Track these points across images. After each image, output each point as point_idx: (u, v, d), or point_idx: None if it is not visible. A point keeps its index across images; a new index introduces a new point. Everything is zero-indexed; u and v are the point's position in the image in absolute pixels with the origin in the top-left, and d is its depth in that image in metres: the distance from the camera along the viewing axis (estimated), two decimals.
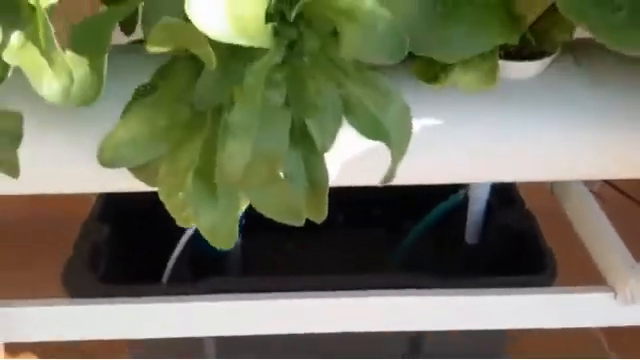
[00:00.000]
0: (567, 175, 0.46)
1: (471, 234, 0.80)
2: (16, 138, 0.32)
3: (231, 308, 0.57)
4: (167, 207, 0.36)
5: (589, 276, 0.67)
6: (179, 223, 0.37)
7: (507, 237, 0.77)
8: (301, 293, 0.58)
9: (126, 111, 0.34)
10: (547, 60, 0.38)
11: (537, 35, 0.36)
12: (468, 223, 0.80)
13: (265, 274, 0.75)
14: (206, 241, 0.35)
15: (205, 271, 0.67)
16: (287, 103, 0.31)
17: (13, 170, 0.33)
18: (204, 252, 0.57)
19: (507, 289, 0.64)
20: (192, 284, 0.63)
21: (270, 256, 0.80)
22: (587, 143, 0.39)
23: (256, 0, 0.26)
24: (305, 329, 0.57)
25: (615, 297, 0.62)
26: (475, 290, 0.62)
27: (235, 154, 0.30)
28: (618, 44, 0.28)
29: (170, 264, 0.77)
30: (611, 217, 0.69)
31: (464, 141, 0.38)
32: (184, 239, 0.73)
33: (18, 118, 0.32)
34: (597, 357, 0.77)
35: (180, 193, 0.36)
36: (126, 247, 0.76)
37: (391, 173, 0.33)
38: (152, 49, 0.27)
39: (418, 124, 0.35)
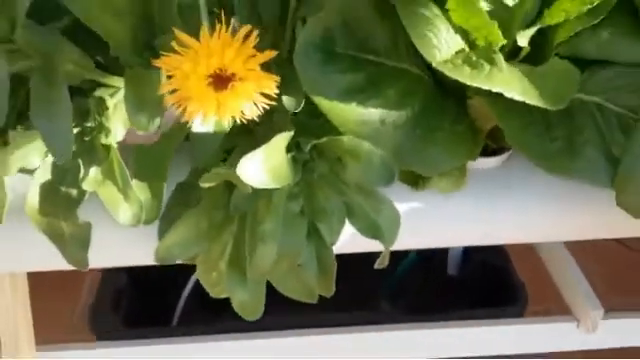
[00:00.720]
0: (528, 238, 0.55)
1: (452, 267, 0.90)
2: (86, 244, 0.40)
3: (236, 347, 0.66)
4: (203, 283, 0.45)
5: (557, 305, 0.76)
6: (212, 295, 0.46)
7: (484, 270, 0.87)
8: (301, 331, 0.67)
9: (169, 213, 0.42)
10: (505, 155, 0.47)
11: (494, 138, 0.46)
12: (449, 257, 0.90)
13: (268, 313, 0.84)
14: None
15: (214, 311, 0.76)
16: (302, 211, 0.40)
17: (83, 266, 0.41)
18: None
19: (482, 320, 0.73)
20: (201, 325, 0.72)
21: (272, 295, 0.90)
22: (537, 214, 0.49)
23: (282, 149, 0.35)
24: None
25: (578, 326, 0.72)
26: (455, 322, 0.72)
27: (264, 256, 0.38)
28: (552, 170, 0.37)
29: (179, 307, 0.86)
30: (582, 250, 0.79)
31: (447, 216, 0.47)
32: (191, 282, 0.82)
33: (88, 227, 0.40)
34: None
35: (214, 273, 0.45)
36: (144, 291, 0.85)
37: (383, 259, 0.42)
38: (204, 185, 0.36)
39: (407, 207, 0.44)
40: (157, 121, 0.33)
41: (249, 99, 0.31)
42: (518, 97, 0.33)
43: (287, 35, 0.40)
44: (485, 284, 0.88)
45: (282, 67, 0.38)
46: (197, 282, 0.45)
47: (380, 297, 0.87)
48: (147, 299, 0.86)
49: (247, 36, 0.31)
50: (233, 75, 0.30)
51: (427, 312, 0.76)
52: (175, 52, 0.32)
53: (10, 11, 0.29)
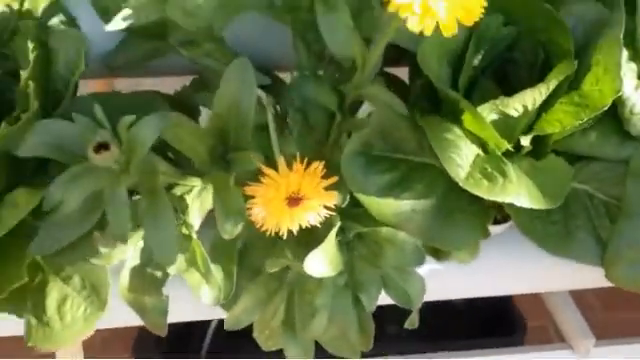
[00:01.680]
0: (529, 289, 0.64)
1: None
2: (165, 313, 0.48)
3: None
4: (257, 339, 0.53)
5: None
6: (265, 349, 0.54)
7: (487, 303, 0.96)
8: None
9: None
10: (508, 223, 0.55)
11: (499, 209, 0.54)
12: None
13: None
14: None
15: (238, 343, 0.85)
16: (347, 284, 0.48)
17: (161, 331, 0.49)
18: None
19: (485, 350, 0.82)
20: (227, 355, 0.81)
21: None
22: (529, 269, 0.57)
23: (335, 243, 0.43)
24: None
25: (573, 353, 0.81)
26: (460, 352, 0.81)
27: (317, 325, 0.46)
28: (551, 252, 0.45)
29: (207, 339, 0.94)
30: None
31: (464, 275, 0.56)
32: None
33: (167, 300, 0.48)
34: None
35: (267, 331, 0.53)
36: (178, 326, 0.93)
37: (412, 322, 0.50)
38: (270, 270, 0.44)
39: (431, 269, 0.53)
40: (240, 227, 0.41)
41: (315, 212, 0.39)
42: (527, 205, 0.41)
43: (331, 140, 0.48)
44: (488, 314, 0.97)
45: (329, 169, 0.46)
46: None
47: (385, 325, 0.96)
48: (180, 332, 0.94)
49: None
50: (304, 195, 0.38)
51: (431, 340, 0.85)
52: (255, 177, 0.40)
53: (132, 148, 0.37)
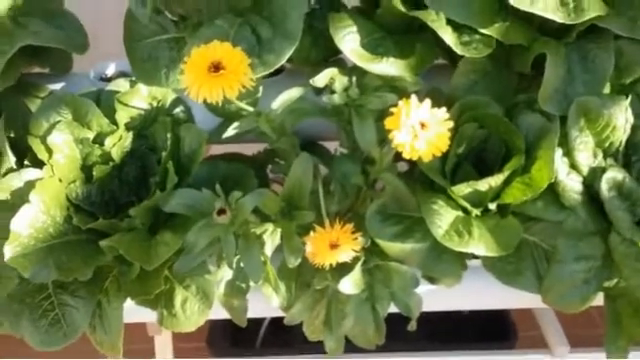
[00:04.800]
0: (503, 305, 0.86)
1: None
2: (245, 311, 0.72)
3: None
4: (306, 332, 0.76)
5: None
6: (310, 339, 0.77)
7: (487, 314, 1.17)
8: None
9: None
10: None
11: None
12: None
13: None
14: None
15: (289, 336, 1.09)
16: (367, 298, 0.72)
17: (242, 323, 0.73)
18: None
19: (482, 351, 1.04)
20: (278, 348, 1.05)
21: None
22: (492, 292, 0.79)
23: (359, 271, 0.67)
24: None
25: (552, 356, 1.02)
26: (460, 352, 1.02)
27: (346, 326, 0.70)
28: (506, 283, 0.68)
29: (261, 332, 1.19)
30: None
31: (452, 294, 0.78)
32: None
33: (246, 302, 0.72)
34: None
35: (311, 327, 0.76)
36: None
37: (412, 325, 0.73)
38: (318, 287, 0.67)
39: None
40: (299, 260, 0.64)
41: (348, 254, 0.62)
42: (483, 254, 0.64)
43: (359, 201, 0.71)
44: (485, 321, 1.19)
45: (358, 219, 0.70)
46: None
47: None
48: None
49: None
50: (341, 243, 0.61)
51: (437, 341, 1.07)
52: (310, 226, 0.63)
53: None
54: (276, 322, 1.22)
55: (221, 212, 0.61)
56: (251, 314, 0.76)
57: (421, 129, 0.54)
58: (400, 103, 0.55)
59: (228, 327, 1.15)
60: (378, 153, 0.65)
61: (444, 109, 0.56)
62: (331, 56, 0.74)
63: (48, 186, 0.65)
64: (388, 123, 0.55)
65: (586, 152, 0.70)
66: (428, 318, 1.16)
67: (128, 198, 0.73)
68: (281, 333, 1.20)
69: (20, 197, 0.64)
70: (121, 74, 0.81)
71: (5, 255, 0.62)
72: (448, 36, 0.64)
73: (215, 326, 1.14)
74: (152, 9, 0.63)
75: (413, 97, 0.55)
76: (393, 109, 0.56)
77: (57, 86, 0.78)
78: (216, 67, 0.53)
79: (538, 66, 0.71)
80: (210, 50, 0.54)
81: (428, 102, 0.56)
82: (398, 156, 0.66)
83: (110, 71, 0.81)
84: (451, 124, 0.56)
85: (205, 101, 0.62)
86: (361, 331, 0.74)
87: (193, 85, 0.54)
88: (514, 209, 0.71)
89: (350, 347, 0.80)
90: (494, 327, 1.18)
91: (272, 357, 1.09)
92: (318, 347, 0.99)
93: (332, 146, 0.81)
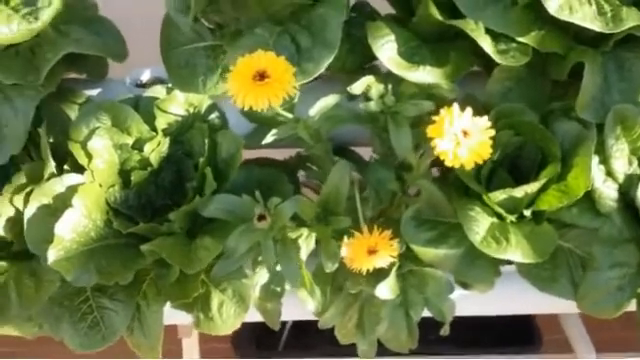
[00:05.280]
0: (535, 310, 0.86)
1: None
2: (278, 314, 0.73)
3: None
4: (337, 335, 0.77)
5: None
6: (342, 343, 0.78)
7: (512, 319, 1.17)
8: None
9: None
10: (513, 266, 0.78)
11: None
12: None
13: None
14: None
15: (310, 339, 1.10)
16: (400, 303, 0.72)
17: (276, 326, 0.74)
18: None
19: (506, 355, 1.04)
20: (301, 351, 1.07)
21: None
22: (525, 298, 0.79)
23: (394, 276, 0.67)
24: None
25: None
26: (485, 357, 1.03)
27: (382, 329, 0.70)
28: (541, 290, 0.68)
29: (284, 335, 1.20)
30: None
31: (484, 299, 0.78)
32: None
33: (280, 306, 0.73)
34: None
35: (343, 330, 0.77)
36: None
37: (445, 330, 0.73)
38: (352, 291, 0.68)
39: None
40: (336, 265, 0.65)
41: (385, 259, 0.63)
42: (520, 260, 0.64)
43: (394, 207, 0.72)
44: (510, 326, 1.19)
45: (391, 223, 0.70)
46: None
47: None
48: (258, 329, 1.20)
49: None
50: (379, 249, 0.62)
51: (458, 347, 1.08)
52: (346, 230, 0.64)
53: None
54: (299, 325, 1.24)
55: (261, 218, 0.62)
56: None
57: (464, 137, 0.54)
58: (442, 111, 0.55)
59: (253, 329, 1.16)
60: (415, 160, 0.66)
61: (485, 117, 0.57)
62: (366, 63, 0.75)
63: (89, 191, 0.66)
64: (430, 131, 0.55)
65: (622, 159, 0.70)
66: (452, 322, 1.21)
67: (163, 202, 0.75)
68: (303, 336, 1.22)
69: (62, 201, 0.65)
70: (156, 80, 0.82)
71: (49, 258, 0.63)
72: (487, 45, 0.64)
73: (241, 328, 1.15)
74: (193, 17, 0.64)
75: (455, 106, 0.56)
76: (435, 117, 0.56)
77: (94, 92, 0.79)
78: (261, 76, 0.54)
79: (571, 74, 0.71)
80: (255, 59, 0.55)
81: (469, 110, 0.56)
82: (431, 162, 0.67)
83: (145, 77, 0.82)
84: (492, 132, 0.56)
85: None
86: (394, 335, 0.74)
87: (239, 93, 0.55)
88: (548, 215, 0.71)
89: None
90: (519, 332, 1.18)
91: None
92: (339, 350, 1.00)
93: (361, 151, 0.82)
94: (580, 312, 1.07)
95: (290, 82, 0.55)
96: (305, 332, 1.28)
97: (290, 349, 1.25)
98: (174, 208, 0.71)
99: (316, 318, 0.77)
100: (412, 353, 0.90)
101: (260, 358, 1.19)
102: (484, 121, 0.56)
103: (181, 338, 1.03)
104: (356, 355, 1.00)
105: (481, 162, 0.56)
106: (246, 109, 0.56)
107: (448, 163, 0.55)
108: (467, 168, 0.56)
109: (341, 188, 0.66)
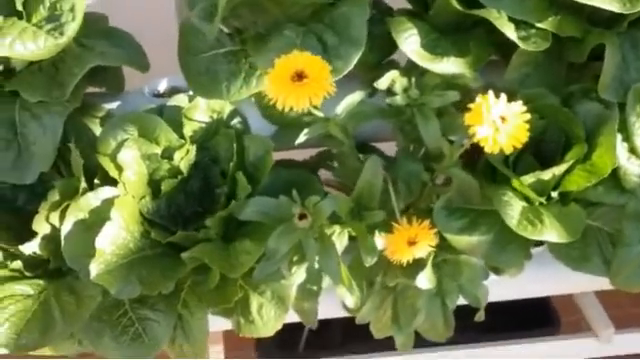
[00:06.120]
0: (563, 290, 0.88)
1: None
2: (315, 313, 0.73)
3: None
4: (372, 329, 0.78)
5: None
6: (376, 337, 0.78)
7: (530, 302, 1.19)
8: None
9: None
10: (542, 247, 0.79)
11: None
12: None
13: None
14: None
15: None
16: (436, 293, 0.73)
17: (313, 324, 0.74)
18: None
19: (526, 339, 1.05)
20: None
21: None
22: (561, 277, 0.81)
23: (430, 266, 0.68)
24: None
25: (597, 339, 1.04)
26: (504, 342, 1.04)
27: (417, 322, 0.71)
28: (574, 269, 0.70)
29: (303, 336, 1.20)
30: None
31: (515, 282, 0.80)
32: None
33: (318, 305, 0.73)
34: None
35: (378, 324, 0.77)
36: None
37: (480, 316, 0.74)
38: (390, 284, 0.69)
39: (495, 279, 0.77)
40: (375, 259, 0.65)
41: (425, 249, 0.64)
42: (556, 241, 0.65)
43: (424, 197, 0.73)
44: (528, 309, 1.20)
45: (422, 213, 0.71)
46: None
47: None
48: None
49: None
50: (419, 239, 0.63)
51: (478, 331, 1.08)
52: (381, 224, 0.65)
53: None
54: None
55: (302, 217, 0.62)
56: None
57: (502, 123, 0.55)
58: (478, 99, 0.56)
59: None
60: (447, 149, 0.66)
61: (520, 102, 0.58)
62: (384, 58, 0.76)
63: (125, 203, 0.66)
64: (468, 119, 0.56)
65: None
66: (470, 308, 1.22)
67: (193, 209, 0.75)
68: (323, 335, 1.22)
69: (98, 215, 0.65)
70: (174, 89, 0.82)
71: (91, 273, 0.62)
72: (511, 32, 0.65)
73: None
74: (217, 24, 0.64)
75: (490, 93, 0.57)
76: (471, 105, 0.57)
77: (114, 105, 0.79)
78: (299, 76, 0.55)
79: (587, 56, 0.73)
80: (292, 60, 0.55)
81: (504, 97, 0.57)
82: None
83: (162, 87, 0.82)
84: (528, 116, 0.58)
85: (264, 110, 0.62)
86: (431, 325, 0.75)
87: (279, 95, 0.55)
88: (575, 196, 0.73)
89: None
90: (536, 315, 1.19)
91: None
92: (357, 347, 1.01)
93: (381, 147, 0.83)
94: (595, 291, 1.11)
95: (328, 80, 0.56)
96: (324, 331, 1.28)
97: (310, 349, 1.25)
98: (205, 215, 0.71)
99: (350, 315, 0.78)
100: (426, 342, 0.90)
101: (281, 357, 1.19)
102: (519, 106, 0.57)
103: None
104: (367, 351, 1.01)
105: (519, 146, 0.57)
106: (283, 110, 0.56)
107: (488, 149, 0.56)
108: (507, 152, 0.57)
109: (374, 183, 0.67)
